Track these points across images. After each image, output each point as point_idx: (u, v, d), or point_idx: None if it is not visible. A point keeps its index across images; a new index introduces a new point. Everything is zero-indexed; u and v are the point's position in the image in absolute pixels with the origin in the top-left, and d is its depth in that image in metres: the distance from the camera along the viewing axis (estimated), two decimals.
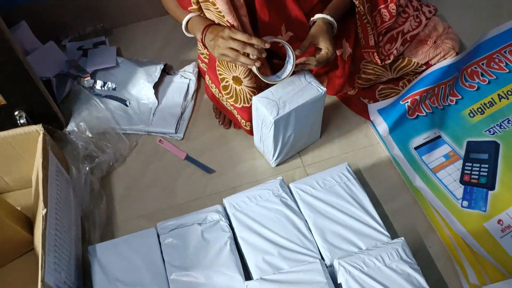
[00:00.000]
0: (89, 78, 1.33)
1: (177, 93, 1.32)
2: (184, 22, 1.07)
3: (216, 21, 1.02)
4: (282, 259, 0.98)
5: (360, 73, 1.25)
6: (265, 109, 1.05)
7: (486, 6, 1.48)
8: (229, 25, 0.99)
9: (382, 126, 1.21)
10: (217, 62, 1.11)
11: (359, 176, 1.17)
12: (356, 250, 0.97)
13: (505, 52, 1.33)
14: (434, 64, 1.23)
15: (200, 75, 1.36)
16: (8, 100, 1.14)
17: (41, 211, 0.92)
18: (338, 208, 1.04)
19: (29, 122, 1.18)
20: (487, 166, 1.15)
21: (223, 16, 0.99)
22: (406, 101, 1.20)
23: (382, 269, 0.89)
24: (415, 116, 1.21)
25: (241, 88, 1.12)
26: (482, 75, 1.29)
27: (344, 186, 1.07)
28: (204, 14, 1.04)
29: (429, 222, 1.10)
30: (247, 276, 1.01)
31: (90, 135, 1.21)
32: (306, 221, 1.03)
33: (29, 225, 1.07)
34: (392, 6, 1.14)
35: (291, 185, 1.08)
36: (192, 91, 1.33)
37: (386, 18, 1.15)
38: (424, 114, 1.22)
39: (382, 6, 1.14)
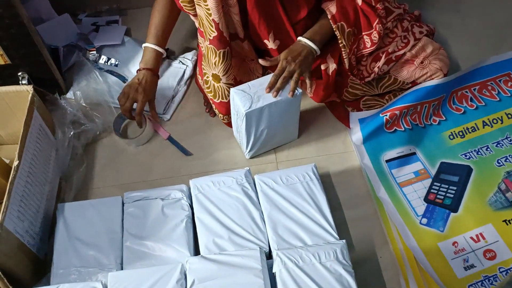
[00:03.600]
0: (94, 52, 1.42)
1: (172, 77, 1.38)
2: (144, 44, 1.26)
3: (204, 18, 1.07)
4: (231, 243, 1.02)
5: (348, 87, 1.27)
6: (239, 101, 1.10)
7: (490, 36, 1.47)
8: (213, 24, 1.05)
9: (357, 135, 1.23)
10: (202, 58, 1.17)
11: (327, 179, 1.20)
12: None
13: (499, 80, 1.32)
14: (420, 83, 1.24)
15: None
16: (12, 60, 1.23)
17: (13, 166, 1.00)
18: (295, 205, 1.07)
19: (29, 83, 1.27)
20: (455, 188, 1.15)
21: (210, 14, 1.04)
22: (385, 114, 1.22)
23: (316, 265, 0.92)
24: (392, 130, 1.23)
25: (220, 85, 1.18)
26: (472, 100, 1.29)
27: (306, 185, 1.10)
28: (195, 12, 1.10)
29: (384, 234, 1.11)
30: (197, 254, 1.05)
31: (84, 104, 1.29)
32: (262, 212, 1.07)
33: None
34: (375, 35, 1.16)
35: (255, 177, 1.12)
36: (186, 77, 1.39)
37: (368, 45, 1.19)
38: (403, 129, 1.23)
39: (366, 33, 1.17)
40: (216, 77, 1.16)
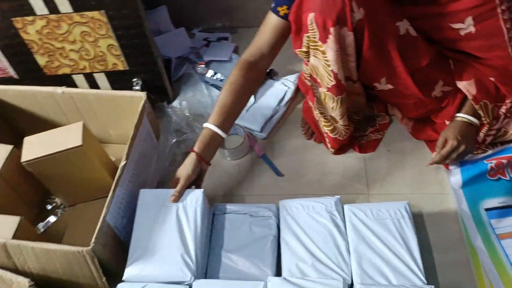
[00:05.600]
0: (203, 65, 1.50)
1: (274, 97, 1.42)
2: (204, 124, 1.12)
3: (321, 68, 1.08)
4: (313, 269, 1.02)
5: None
6: None
7: None
8: (332, 74, 1.06)
9: (456, 178, 1.18)
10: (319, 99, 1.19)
11: (419, 219, 1.16)
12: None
13: None
14: None
15: (298, 87, 1.44)
16: (131, 67, 1.33)
17: (120, 165, 1.07)
18: (383, 241, 1.05)
19: (142, 90, 1.36)
20: None
21: (329, 65, 1.05)
22: (491, 161, 1.16)
23: None
24: (496, 177, 1.17)
25: (337, 125, 1.21)
26: None
27: (396, 222, 1.07)
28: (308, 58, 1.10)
29: (475, 284, 1.05)
30: (278, 275, 1.06)
31: (187, 114, 1.36)
32: (348, 243, 1.06)
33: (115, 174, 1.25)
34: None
35: (345, 206, 1.12)
36: (287, 99, 1.42)
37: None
38: (508, 178, 1.16)
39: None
40: (333, 119, 1.19)
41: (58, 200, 1.27)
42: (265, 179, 1.29)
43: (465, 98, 1.15)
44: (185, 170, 1.09)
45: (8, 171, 1.14)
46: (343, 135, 1.23)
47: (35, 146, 1.11)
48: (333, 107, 1.14)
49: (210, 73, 1.49)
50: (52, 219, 1.24)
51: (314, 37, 1.02)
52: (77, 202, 1.25)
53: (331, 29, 0.98)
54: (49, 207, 1.26)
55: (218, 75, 1.48)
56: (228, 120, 1.12)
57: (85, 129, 1.13)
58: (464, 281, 1.06)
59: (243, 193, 1.26)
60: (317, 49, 1.05)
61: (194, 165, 1.10)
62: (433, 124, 1.23)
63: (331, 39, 1.00)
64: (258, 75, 1.17)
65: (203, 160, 1.11)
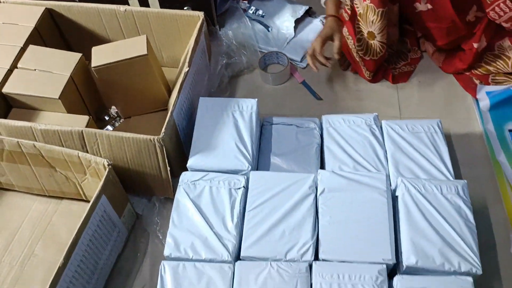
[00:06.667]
0: (246, 2, 1.60)
1: (312, 33, 1.53)
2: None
3: None
4: (354, 171, 1.14)
5: (482, 62, 1.35)
6: None
7: None
8: None
9: (485, 102, 1.30)
10: (357, 16, 1.29)
11: (448, 139, 1.27)
12: None
13: None
14: None
15: None
16: None
17: (184, 71, 1.18)
18: (418, 150, 1.16)
19: None
20: None
21: None
22: None
23: (438, 195, 1.01)
24: None
25: (373, 42, 1.30)
26: None
27: (430, 136, 1.18)
28: None
29: (499, 193, 1.17)
30: None
31: (234, 42, 1.46)
32: (386, 152, 1.18)
33: (169, 91, 1.35)
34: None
35: (383, 122, 1.23)
36: None
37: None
38: None
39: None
40: (371, 35, 1.29)
41: (114, 112, 1.37)
42: (305, 102, 1.40)
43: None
44: (330, 30, 1.33)
45: (77, 76, 1.24)
46: (377, 53, 1.32)
47: (103, 54, 1.21)
48: (374, 20, 1.24)
49: (252, 9, 1.59)
50: (109, 128, 1.35)
51: None
52: (133, 114, 1.35)
53: None
54: (106, 118, 1.37)
55: (260, 12, 1.58)
56: None
57: (148, 42, 1.24)
58: (488, 191, 1.19)
59: (285, 113, 1.37)
60: None
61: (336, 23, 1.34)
62: (461, 54, 1.34)
63: None
64: None
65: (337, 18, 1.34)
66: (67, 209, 1.22)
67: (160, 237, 1.16)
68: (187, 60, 1.19)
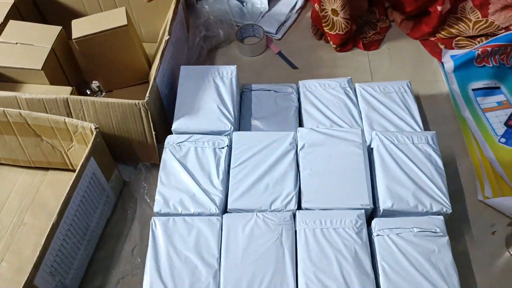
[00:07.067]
0: None
1: (286, 6, 1.58)
2: None
3: None
4: (332, 128, 1.20)
5: (445, 25, 1.43)
6: None
7: None
8: None
9: (449, 64, 1.38)
10: None
11: (417, 100, 1.34)
12: None
13: None
14: None
15: None
16: None
17: (164, 39, 1.22)
18: (389, 108, 1.23)
19: None
20: None
21: None
22: (478, 49, 1.36)
23: (410, 145, 1.08)
24: (482, 65, 1.37)
25: (338, 18, 1.36)
26: None
27: (400, 95, 1.26)
28: None
29: (465, 147, 1.26)
30: None
31: (211, 16, 1.51)
32: (360, 111, 1.24)
33: (149, 64, 1.38)
34: None
35: (356, 84, 1.29)
36: (298, 7, 1.59)
37: None
38: (491, 65, 1.37)
39: None
40: (334, 12, 1.36)
41: (96, 87, 1.40)
42: (282, 71, 1.46)
43: None
44: None
45: (58, 48, 1.26)
46: (342, 28, 1.40)
47: (83, 26, 1.24)
48: None
49: None
50: None
51: None
52: (114, 87, 1.39)
53: None
54: (88, 92, 1.39)
55: None
56: None
57: (127, 13, 1.27)
58: (456, 145, 1.27)
59: (263, 83, 1.42)
60: None
61: None
62: (427, 18, 1.42)
63: None
64: None
65: None
66: (54, 179, 1.25)
67: (148, 201, 1.20)
68: (167, 29, 1.23)
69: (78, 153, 1.17)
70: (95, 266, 1.12)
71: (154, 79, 1.14)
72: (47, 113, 1.14)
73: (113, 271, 1.11)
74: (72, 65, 1.34)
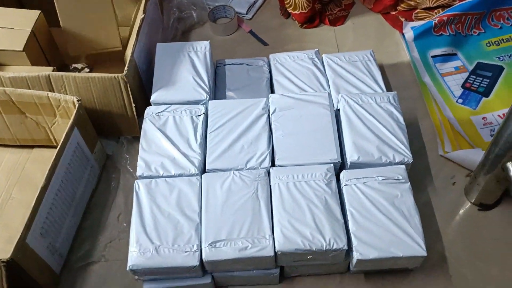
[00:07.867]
0: None
1: None
2: None
3: None
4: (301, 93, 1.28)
5: None
6: None
7: None
8: None
9: (409, 34, 1.48)
10: None
11: (381, 69, 1.43)
12: None
13: None
14: None
15: None
16: None
17: (139, 17, 1.28)
18: (354, 75, 1.31)
19: None
20: (488, 81, 1.38)
21: None
22: (435, 19, 1.46)
23: (373, 105, 1.17)
24: (439, 33, 1.47)
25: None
26: (508, 19, 1.52)
27: (364, 63, 1.34)
28: None
29: (426, 109, 1.35)
30: None
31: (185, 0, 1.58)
32: (328, 79, 1.33)
33: (121, 39, 1.42)
34: None
35: (323, 55, 1.38)
36: None
37: None
38: (447, 34, 1.47)
39: None
40: None
41: (78, 66, 1.45)
42: (254, 48, 1.54)
43: None
44: None
45: (38, 31, 1.31)
46: (305, 7, 1.51)
47: None
48: None
49: None
50: None
51: None
52: (81, 52, 1.39)
53: None
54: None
55: None
56: None
57: None
58: (417, 108, 1.36)
59: (239, 57, 1.49)
60: None
61: None
62: None
63: None
64: None
65: None
66: (39, 156, 1.30)
67: (131, 170, 1.26)
68: (141, 9, 1.30)
69: (62, 128, 1.23)
70: (83, 234, 1.18)
71: (132, 53, 1.21)
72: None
73: (101, 237, 1.17)
74: (52, 49, 1.40)
